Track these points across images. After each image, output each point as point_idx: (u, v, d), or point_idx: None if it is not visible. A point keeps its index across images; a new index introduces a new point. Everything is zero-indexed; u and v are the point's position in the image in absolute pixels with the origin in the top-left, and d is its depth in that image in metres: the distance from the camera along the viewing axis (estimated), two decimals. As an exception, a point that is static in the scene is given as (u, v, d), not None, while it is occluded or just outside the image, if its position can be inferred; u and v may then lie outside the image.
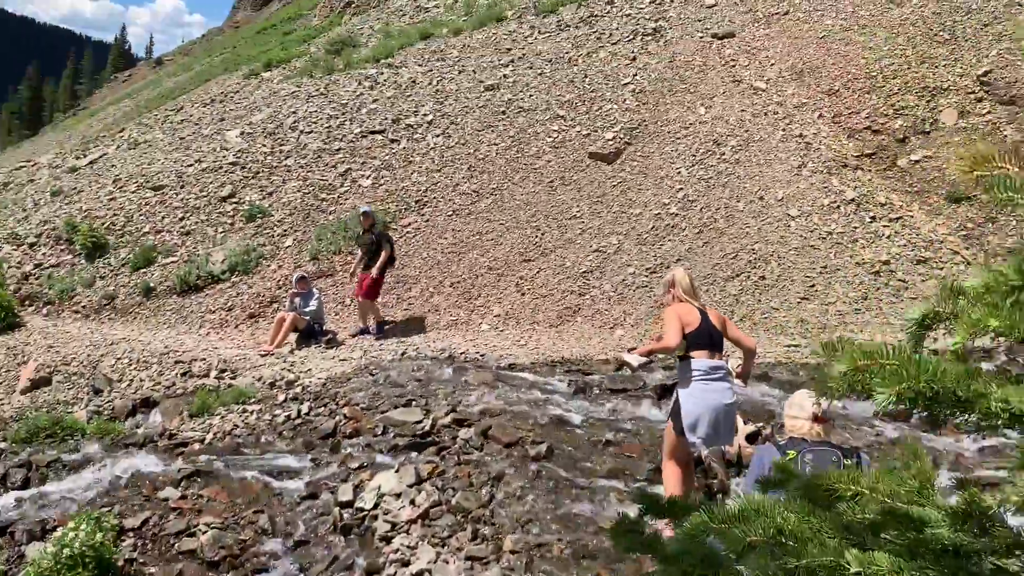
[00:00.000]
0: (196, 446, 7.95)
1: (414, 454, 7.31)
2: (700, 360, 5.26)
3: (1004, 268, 1.46)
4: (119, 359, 10.55)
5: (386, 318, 11.71)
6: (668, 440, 5.57)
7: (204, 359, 10.51)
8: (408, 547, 5.68)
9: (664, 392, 8.46)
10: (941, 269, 10.90)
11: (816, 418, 3.65)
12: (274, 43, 42.90)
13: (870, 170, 12.66)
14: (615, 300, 11.31)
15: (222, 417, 8.54)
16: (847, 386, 1.61)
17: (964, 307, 1.63)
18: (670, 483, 5.54)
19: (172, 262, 12.92)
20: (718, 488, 6.27)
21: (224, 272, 12.51)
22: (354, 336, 11.49)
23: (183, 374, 10.24)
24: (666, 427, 5.67)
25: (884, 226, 11.60)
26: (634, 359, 5.55)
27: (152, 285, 12.58)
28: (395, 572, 5.46)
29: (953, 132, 12.57)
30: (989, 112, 12.58)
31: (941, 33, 14.07)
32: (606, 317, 11.12)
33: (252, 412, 8.65)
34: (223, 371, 10.12)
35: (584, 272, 11.80)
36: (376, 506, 6.33)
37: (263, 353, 10.75)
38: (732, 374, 5.57)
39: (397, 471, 6.78)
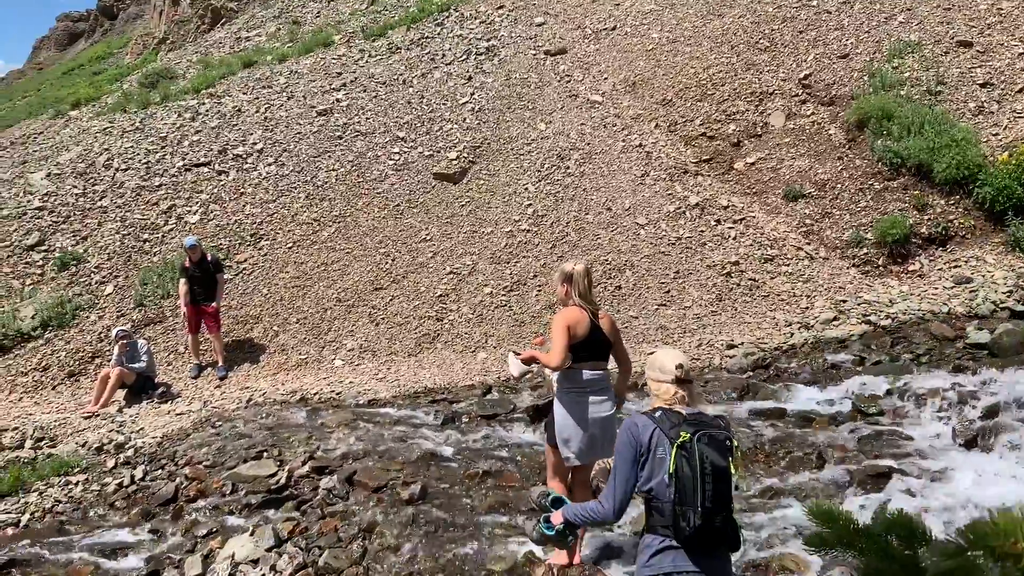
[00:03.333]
0: (10, 531, 6.77)
1: (271, 512, 6.51)
2: (581, 371, 4.89)
3: None
4: (-92, 440, 9.03)
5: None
6: (548, 456, 5.19)
7: (16, 428, 9.18)
8: (273, 622, 4.93)
9: (537, 413, 8.06)
10: (787, 265, 11.16)
11: (679, 380, 3.34)
12: (83, 83, 40.01)
13: (709, 175, 12.90)
14: (474, 322, 10.85)
15: (41, 493, 7.36)
16: None
17: None
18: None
19: (-29, 323, 11.33)
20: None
21: (36, 328, 11.07)
22: (195, 378, 10.47)
23: (-10, 449, 8.87)
24: (546, 441, 5.27)
25: (729, 228, 11.78)
26: (516, 367, 5.04)
27: (-53, 351, 10.96)
28: (259, 654, 4.70)
29: (783, 133, 13.02)
30: (813, 113, 13.13)
31: (761, 41, 14.65)
32: (467, 341, 10.63)
33: (77, 484, 7.53)
34: (40, 440, 8.84)
35: (440, 296, 11.28)
36: (230, 578, 5.51)
37: (87, 415, 9.52)
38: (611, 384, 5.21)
39: (252, 534, 5.99)
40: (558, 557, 5.04)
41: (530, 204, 12.41)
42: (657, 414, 3.29)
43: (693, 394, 3.39)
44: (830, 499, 5.76)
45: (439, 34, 17.59)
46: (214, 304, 10.65)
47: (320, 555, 5.52)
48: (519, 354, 5.13)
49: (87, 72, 49.10)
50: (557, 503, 4.08)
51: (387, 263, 11.98)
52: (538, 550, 5.31)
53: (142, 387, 10.13)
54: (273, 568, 5.47)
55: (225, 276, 11.16)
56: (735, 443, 3.22)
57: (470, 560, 5.29)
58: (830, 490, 5.80)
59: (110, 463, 7.97)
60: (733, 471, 3.13)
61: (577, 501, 5.12)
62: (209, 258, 10.80)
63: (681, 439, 3.12)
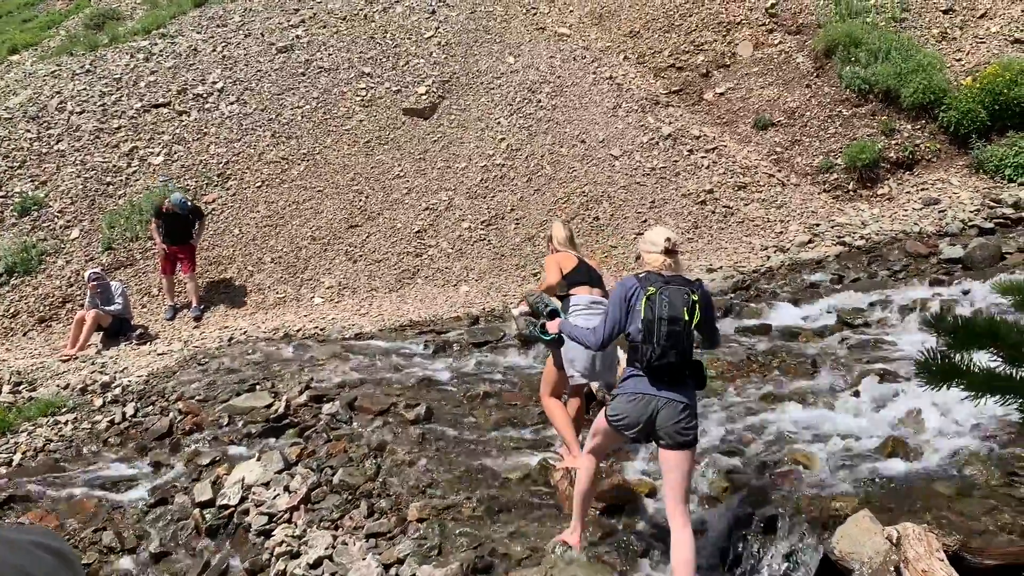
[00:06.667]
0: (3, 470, 6.67)
1: (272, 440, 6.51)
2: (580, 296, 5.27)
3: None
4: None
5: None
6: (547, 374, 5.38)
7: (-9, 374, 8.98)
8: (294, 537, 4.96)
9: (529, 339, 8.13)
10: (760, 192, 11.31)
11: (667, 251, 4.00)
12: (14, 29, 38.08)
13: (680, 106, 12.93)
14: (454, 257, 10.83)
15: (29, 434, 7.25)
16: None
17: None
18: (556, 416, 5.32)
19: (-71, 271, 10.94)
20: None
21: (1, 275, 10.76)
22: (170, 319, 10.31)
23: (-34, 396, 8.65)
24: (547, 361, 5.41)
25: (702, 157, 11.87)
26: (519, 311, 5.42)
27: (-93, 301, 10.58)
28: (285, 567, 4.73)
29: (751, 63, 13.08)
30: (780, 42, 13.19)
31: (727, -29, 14.59)
32: (448, 275, 10.62)
33: (66, 423, 7.42)
34: (18, 384, 8.67)
35: (417, 232, 11.21)
36: (244, 500, 5.53)
37: (64, 358, 9.33)
38: None
39: (259, 459, 5.99)
40: (574, 461, 5.15)
41: (503, 138, 12.32)
42: (642, 275, 4.01)
43: (678, 263, 4.07)
44: (825, 401, 5.94)
45: (398, -31, 17.14)
46: (192, 241, 10.46)
47: (333, 474, 5.55)
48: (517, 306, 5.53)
49: (16, 19, 46.83)
50: (553, 314, 4.75)
51: (360, 201, 11.84)
52: (552, 457, 5.42)
53: (119, 329, 9.95)
54: (287, 488, 5.49)
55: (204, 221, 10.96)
56: (696, 297, 3.84)
57: (486, 471, 5.37)
58: (827, 393, 5.99)
59: (98, 402, 7.86)
60: (687, 318, 3.77)
61: (571, 411, 5.31)
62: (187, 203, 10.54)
63: (648, 292, 3.84)
